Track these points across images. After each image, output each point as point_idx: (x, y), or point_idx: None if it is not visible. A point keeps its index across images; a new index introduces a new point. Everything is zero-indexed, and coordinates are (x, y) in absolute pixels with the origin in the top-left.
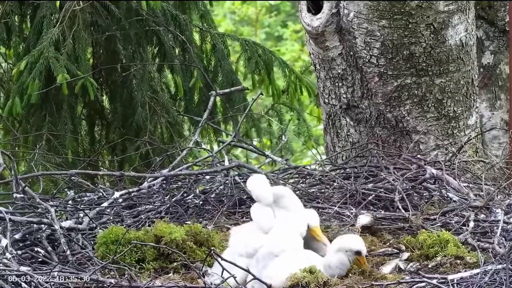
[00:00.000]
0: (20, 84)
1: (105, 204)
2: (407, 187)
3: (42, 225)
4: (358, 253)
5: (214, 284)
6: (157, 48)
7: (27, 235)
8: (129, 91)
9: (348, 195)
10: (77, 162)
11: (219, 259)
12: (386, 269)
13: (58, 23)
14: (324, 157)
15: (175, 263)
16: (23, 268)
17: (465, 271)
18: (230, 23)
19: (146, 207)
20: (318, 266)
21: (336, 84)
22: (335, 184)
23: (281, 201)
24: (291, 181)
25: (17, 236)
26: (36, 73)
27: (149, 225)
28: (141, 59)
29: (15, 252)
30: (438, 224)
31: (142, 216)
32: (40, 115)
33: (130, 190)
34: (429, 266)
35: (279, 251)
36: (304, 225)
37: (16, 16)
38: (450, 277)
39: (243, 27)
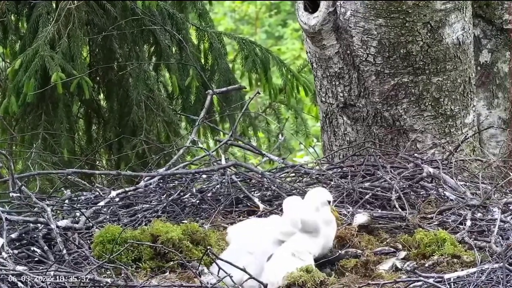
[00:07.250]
0: (16, 83)
1: (102, 203)
2: (404, 186)
3: (39, 224)
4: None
5: (211, 284)
6: (153, 47)
7: (23, 234)
8: (125, 90)
9: (345, 194)
10: (73, 161)
11: (216, 259)
12: (383, 268)
13: (53, 21)
14: (318, 153)
15: (172, 262)
16: (20, 268)
17: (462, 270)
18: (230, 21)
19: (143, 206)
20: (314, 249)
21: (333, 82)
22: (332, 183)
23: None
24: (288, 179)
25: (13, 236)
26: (32, 72)
27: (145, 224)
28: (137, 58)
29: (11, 252)
30: (435, 223)
31: (138, 215)
32: (36, 114)
33: (127, 189)
34: (426, 265)
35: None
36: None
37: (13, 15)
38: (446, 276)
39: (243, 25)
